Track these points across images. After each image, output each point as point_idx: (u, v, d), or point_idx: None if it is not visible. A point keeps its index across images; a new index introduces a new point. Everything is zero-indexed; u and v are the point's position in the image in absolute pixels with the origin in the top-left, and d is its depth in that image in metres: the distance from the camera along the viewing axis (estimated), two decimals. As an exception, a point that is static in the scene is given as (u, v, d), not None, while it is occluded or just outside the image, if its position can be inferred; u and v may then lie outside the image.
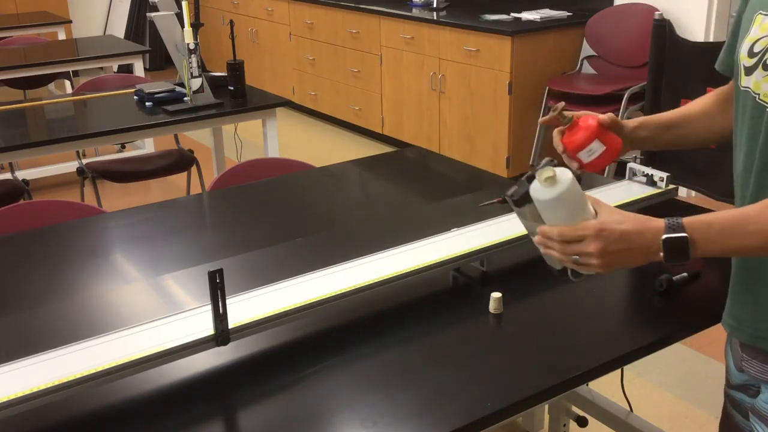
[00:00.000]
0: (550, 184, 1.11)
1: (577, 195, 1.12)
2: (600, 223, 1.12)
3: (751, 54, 1.22)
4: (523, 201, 1.15)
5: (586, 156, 1.36)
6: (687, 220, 1.10)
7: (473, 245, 1.63)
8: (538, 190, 1.13)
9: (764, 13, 1.22)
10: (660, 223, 1.11)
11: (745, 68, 1.22)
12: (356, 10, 5.42)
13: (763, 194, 1.17)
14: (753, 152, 1.20)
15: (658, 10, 4.07)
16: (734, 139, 1.29)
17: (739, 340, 1.30)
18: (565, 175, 1.12)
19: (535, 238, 1.19)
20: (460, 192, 1.61)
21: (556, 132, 1.41)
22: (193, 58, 3.08)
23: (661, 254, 1.10)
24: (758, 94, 1.19)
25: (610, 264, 1.13)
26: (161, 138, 4.36)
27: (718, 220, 1.10)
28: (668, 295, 1.54)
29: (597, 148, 1.36)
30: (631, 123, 1.46)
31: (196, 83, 3.18)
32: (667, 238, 1.09)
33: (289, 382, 1.30)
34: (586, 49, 4.64)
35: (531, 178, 1.13)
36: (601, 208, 1.16)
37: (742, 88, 1.24)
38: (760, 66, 1.19)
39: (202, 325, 1.34)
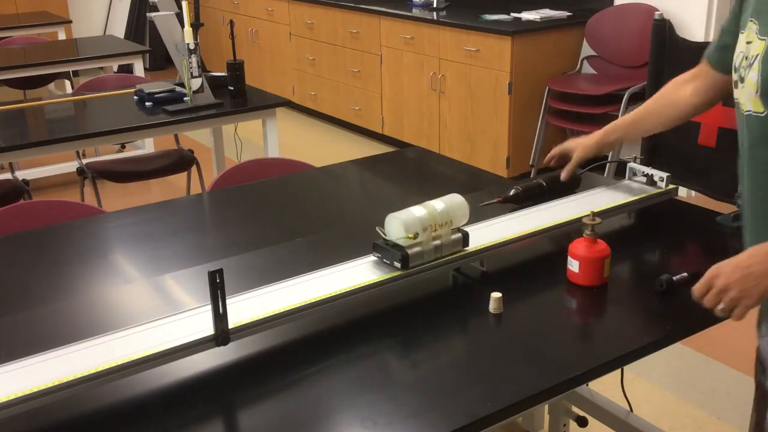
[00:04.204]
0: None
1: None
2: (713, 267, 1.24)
3: (735, 69, 1.38)
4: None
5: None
6: None
7: (473, 245, 1.63)
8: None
9: (753, 20, 1.34)
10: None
11: (734, 82, 1.39)
12: (356, 10, 5.41)
13: (753, 189, 1.33)
14: (743, 155, 1.39)
15: (658, 10, 4.06)
16: None
17: None
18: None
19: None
20: (459, 192, 1.61)
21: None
22: (193, 58, 3.08)
23: None
24: (740, 104, 1.37)
25: (745, 289, 1.19)
26: (161, 138, 4.36)
27: None
28: (668, 295, 1.54)
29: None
30: (598, 135, 1.83)
31: (196, 83, 3.18)
32: None
33: (289, 382, 1.30)
34: (586, 49, 4.64)
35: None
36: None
37: (735, 99, 1.41)
38: (739, 81, 1.36)
39: (202, 325, 1.34)
